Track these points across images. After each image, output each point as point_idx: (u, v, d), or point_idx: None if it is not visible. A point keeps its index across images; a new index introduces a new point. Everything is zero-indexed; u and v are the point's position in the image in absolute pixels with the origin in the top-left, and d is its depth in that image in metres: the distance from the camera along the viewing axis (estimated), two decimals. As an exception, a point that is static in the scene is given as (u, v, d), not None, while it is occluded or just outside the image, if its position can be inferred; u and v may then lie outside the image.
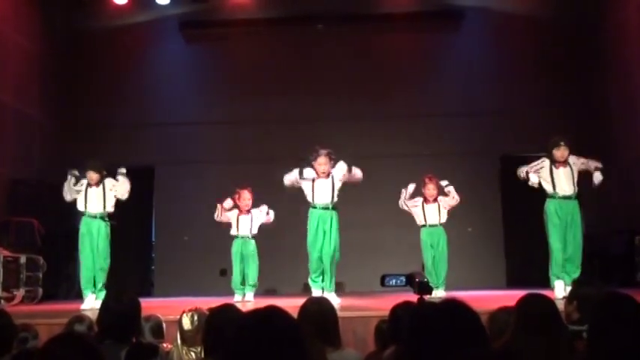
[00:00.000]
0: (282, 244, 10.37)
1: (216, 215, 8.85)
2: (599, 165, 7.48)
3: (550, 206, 7.47)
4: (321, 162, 7.68)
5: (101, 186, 7.91)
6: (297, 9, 11.80)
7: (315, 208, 7.72)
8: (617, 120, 10.73)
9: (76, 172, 7.99)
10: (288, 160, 11.22)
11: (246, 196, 8.73)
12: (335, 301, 7.35)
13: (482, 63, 11.89)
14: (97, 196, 7.89)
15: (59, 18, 11.57)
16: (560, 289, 7.13)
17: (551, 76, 11.54)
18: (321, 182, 7.72)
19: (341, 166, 7.74)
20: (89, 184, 7.91)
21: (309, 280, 7.82)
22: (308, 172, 7.74)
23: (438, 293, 8.45)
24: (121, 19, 11.77)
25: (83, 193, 7.90)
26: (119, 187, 8.03)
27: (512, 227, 11.40)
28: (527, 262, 10.76)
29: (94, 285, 7.82)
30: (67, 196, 8.03)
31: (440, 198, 8.75)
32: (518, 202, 10.72)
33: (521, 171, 7.64)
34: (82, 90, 11.87)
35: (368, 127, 11.62)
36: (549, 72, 11.55)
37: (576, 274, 7.24)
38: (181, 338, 3.89)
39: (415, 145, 11.59)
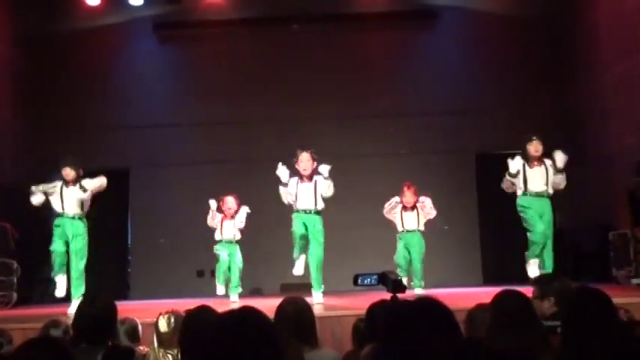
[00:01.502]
0: (262, 245, 10.36)
1: (209, 219, 8.75)
2: (563, 164, 7.52)
3: (522, 201, 7.51)
4: (303, 159, 7.62)
5: (77, 186, 7.72)
6: (272, 9, 11.77)
7: (297, 212, 7.70)
8: (590, 118, 10.84)
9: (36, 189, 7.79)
10: (265, 160, 11.26)
11: (229, 201, 8.65)
12: (318, 299, 7.40)
13: (457, 62, 11.95)
14: (73, 196, 7.70)
15: (31, 19, 11.42)
16: (534, 268, 7.21)
17: (525, 75, 11.62)
18: (304, 186, 7.69)
19: (324, 182, 7.72)
20: (65, 183, 7.72)
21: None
22: (282, 172, 7.70)
23: (416, 291, 8.50)
24: (93, 21, 11.66)
25: (58, 194, 7.71)
26: (91, 185, 7.84)
27: (488, 224, 11.48)
28: (503, 258, 10.86)
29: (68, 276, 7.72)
30: (34, 200, 7.81)
31: (419, 205, 8.80)
32: (493, 199, 10.79)
33: (506, 181, 7.65)
34: (56, 92, 11.75)
35: (344, 126, 11.64)
36: (523, 71, 11.63)
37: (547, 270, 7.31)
38: (158, 340, 3.88)
39: (391, 145, 11.63)
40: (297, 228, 7.63)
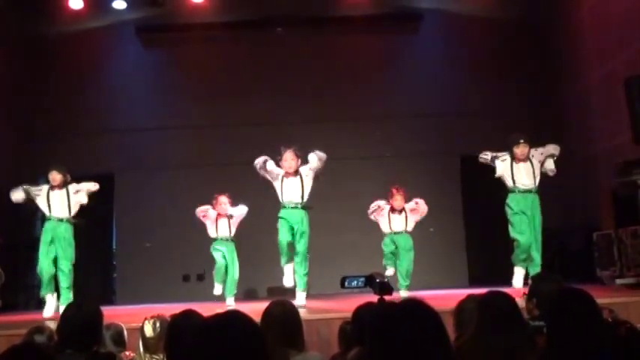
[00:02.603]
0: (248, 248, 10.33)
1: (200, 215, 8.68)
2: (555, 152, 7.60)
3: (510, 201, 7.58)
4: (287, 157, 7.59)
5: (64, 190, 7.73)
6: (256, 12, 11.76)
7: (284, 207, 7.65)
8: (575, 119, 10.90)
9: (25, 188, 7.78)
10: (250, 164, 11.25)
11: (222, 201, 8.58)
12: (301, 301, 7.33)
13: (441, 64, 11.99)
14: (60, 199, 7.70)
15: (15, 24, 11.36)
16: (519, 277, 7.30)
17: (509, 77, 11.68)
18: (289, 181, 7.64)
19: (311, 159, 7.68)
20: (51, 187, 7.71)
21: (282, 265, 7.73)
22: (271, 164, 7.68)
23: (402, 294, 8.50)
24: (77, 25, 11.59)
25: (45, 197, 7.70)
26: (83, 187, 7.83)
27: (473, 226, 11.52)
28: (488, 260, 10.88)
29: (55, 288, 7.68)
30: (13, 195, 7.81)
31: (407, 209, 8.79)
32: (479, 201, 10.85)
33: (486, 155, 7.72)
34: (39, 97, 11.69)
35: (329, 129, 11.62)
36: (507, 72, 11.69)
37: (536, 270, 7.35)
38: (144, 345, 3.85)
39: (376, 147, 11.64)
40: (282, 237, 7.54)
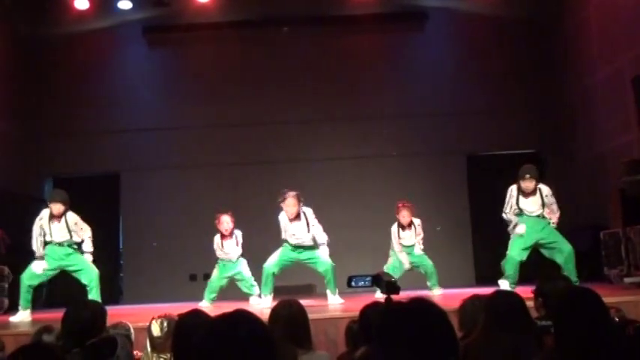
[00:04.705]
0: (252, 248, 10.33)
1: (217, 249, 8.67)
2: (555, 220, 7.52)
3: (520, 220, 7.58)
4: (289, 204, 7.70)
5: (63, 220, 7.64)
6: (262, 12, 11.76)
7: (288, 243, 7.83)
8: (579, 118, 10.87)
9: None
10: (256, 163, 11.28)
11: (224, 220, 8.48)
12: (338, 301, 7.60)
13: (447, 63, 11.97)
14: (60, 229, 7.63)
15: (21, 25, 11.39)
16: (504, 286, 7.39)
17: (514, 76, 11.65)
18: (295, 225, 7.76)
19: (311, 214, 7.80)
20: (51, 217, 7.64)
21: (261, 291, 7.96)
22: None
23: (435, 292, 8.67)
24: (83, 25, 11.61)
25: (47, 227, 7.64)
26: (84, 233, 7.75)
27: (480, 225, 11.49)
28: (495, 259, 10.81)
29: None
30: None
31: (415, 221, 8.76)
32: (485, 200, 10.82)
33: (505, 216, 7.72)
34: (46, 97, 11.71)
35: (335, 128, 11.64)
36: (513, 71, 11.66)
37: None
38: (151, 345, 3.86)
39: (382, 146, 11.63)
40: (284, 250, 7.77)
